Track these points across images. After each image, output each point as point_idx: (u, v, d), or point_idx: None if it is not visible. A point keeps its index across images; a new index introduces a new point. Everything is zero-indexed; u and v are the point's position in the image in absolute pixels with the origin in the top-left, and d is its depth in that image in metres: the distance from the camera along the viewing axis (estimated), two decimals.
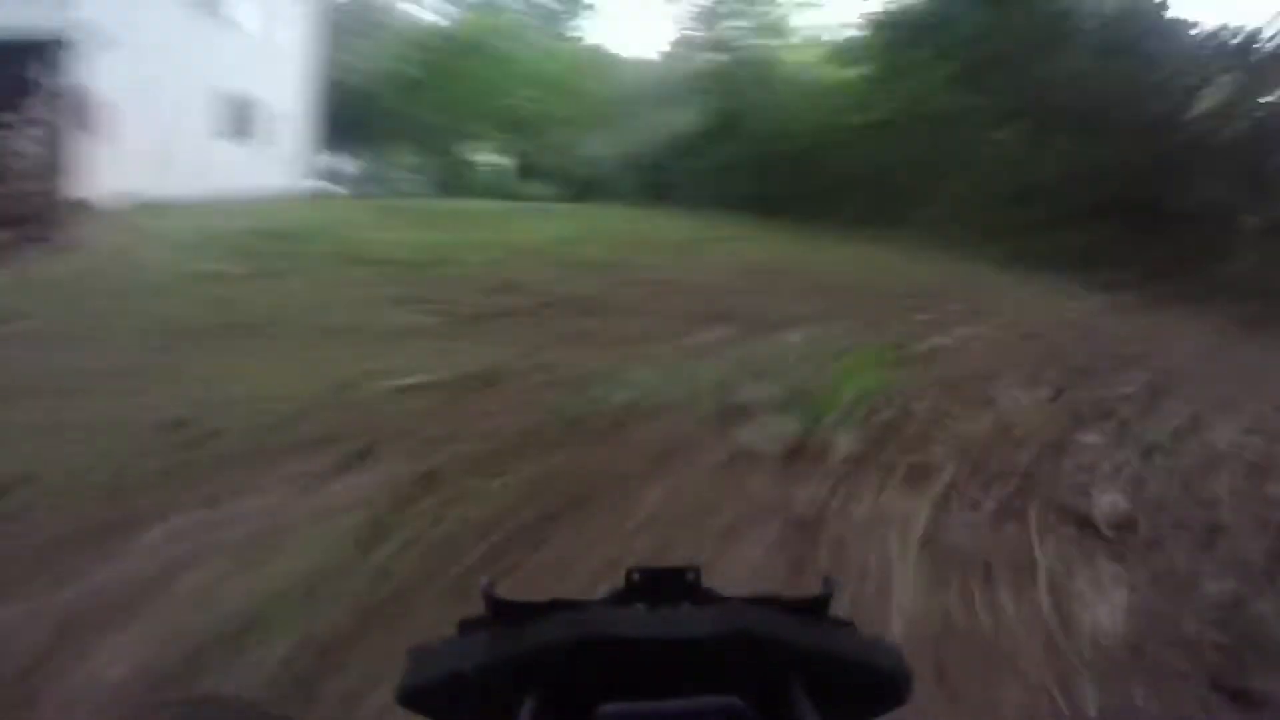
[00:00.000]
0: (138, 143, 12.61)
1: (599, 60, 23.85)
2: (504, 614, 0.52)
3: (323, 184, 17.67)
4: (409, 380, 4.17)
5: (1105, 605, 2.40)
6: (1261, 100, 12.21)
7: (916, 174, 13.41)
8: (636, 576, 0.53)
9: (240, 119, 15.57)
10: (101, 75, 11.69)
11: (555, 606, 0.51)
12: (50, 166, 9.82)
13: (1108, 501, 3.21)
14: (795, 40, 19.55)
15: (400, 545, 2.48)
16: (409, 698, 0.49)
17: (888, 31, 15.28)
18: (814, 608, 0.54)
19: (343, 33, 18.87)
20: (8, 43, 10.17)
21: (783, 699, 0.47)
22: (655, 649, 0.48)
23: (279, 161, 16.83)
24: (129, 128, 12.47)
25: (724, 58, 18.05)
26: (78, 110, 11.06)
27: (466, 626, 0.52)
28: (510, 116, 21.61)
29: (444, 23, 23.92)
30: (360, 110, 19.94)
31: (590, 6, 25.96)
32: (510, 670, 0.48)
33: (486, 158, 22.50)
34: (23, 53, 10.20)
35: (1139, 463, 3.73)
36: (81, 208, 10.00)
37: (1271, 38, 12.14)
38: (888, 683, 0.52)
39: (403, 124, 20.94)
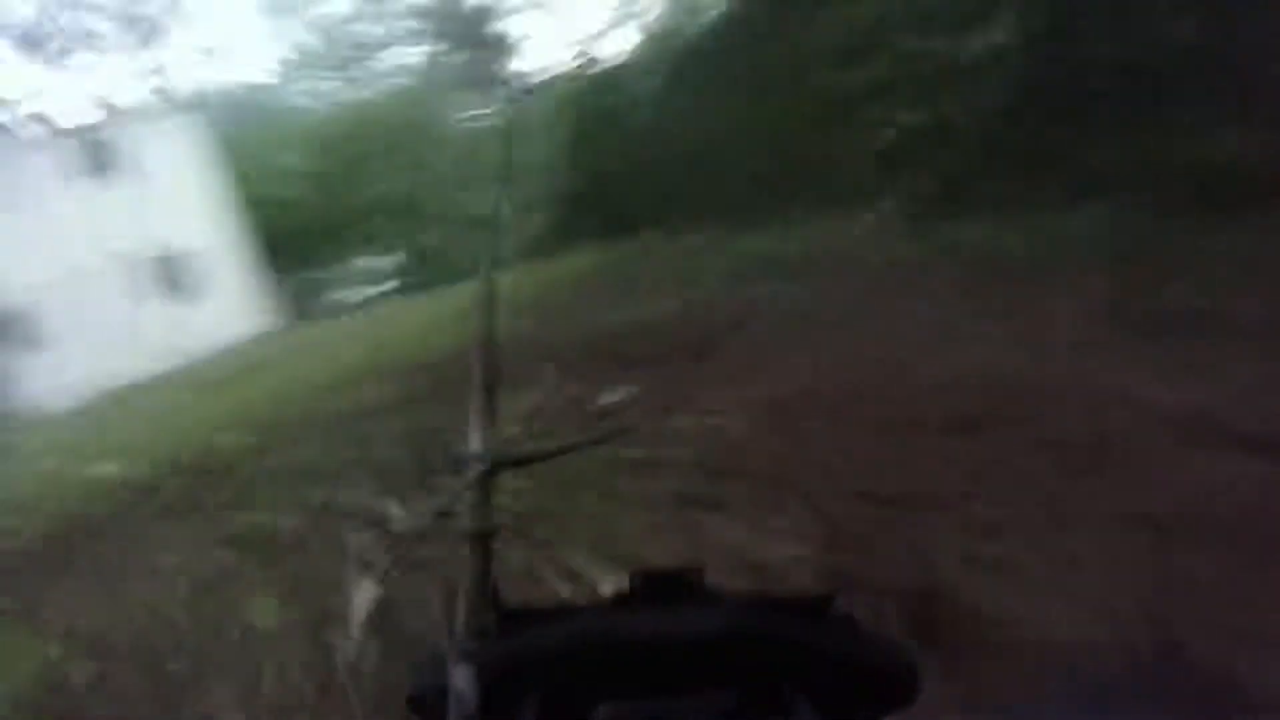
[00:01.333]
0: (61, 338, 12.35)
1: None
2: (509, 619, 0.52)
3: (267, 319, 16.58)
4: None
5: None
6: None
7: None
8: (638, 579, 0.53)
9: (168, 274, 14.67)
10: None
11: (559, 610, 0.53)
12: None
13: None
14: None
15: None
16: (418, 702, 0.51)
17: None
18: (816, 607, 0.54)
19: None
20: None
21: (782, 698, 0.47)
22: (657, 650, 0.49)
23: (226, 308, 15.37)
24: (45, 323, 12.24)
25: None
26: None
27: (473, 634, 0.53)
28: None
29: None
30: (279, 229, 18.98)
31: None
32: (514, 673, 0.49)
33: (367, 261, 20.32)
34: None
35: None
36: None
37: None
38: (893, 681, 0.52)
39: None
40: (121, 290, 13.89)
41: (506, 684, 0.48)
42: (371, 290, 18.03)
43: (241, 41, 37.40)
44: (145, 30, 18.29)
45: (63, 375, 11.84)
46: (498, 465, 0.66)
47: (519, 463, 0.85)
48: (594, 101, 14.05)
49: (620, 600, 0.53)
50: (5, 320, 12.37)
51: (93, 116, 14.43)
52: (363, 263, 19.41)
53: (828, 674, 0.50)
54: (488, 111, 20.44)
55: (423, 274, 16.99)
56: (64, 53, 16.70)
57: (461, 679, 0.48)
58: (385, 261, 19.28)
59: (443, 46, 22.17)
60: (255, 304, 16.23)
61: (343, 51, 23.27)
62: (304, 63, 23.72)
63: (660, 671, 0.48)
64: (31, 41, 16.17)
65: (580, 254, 11.31)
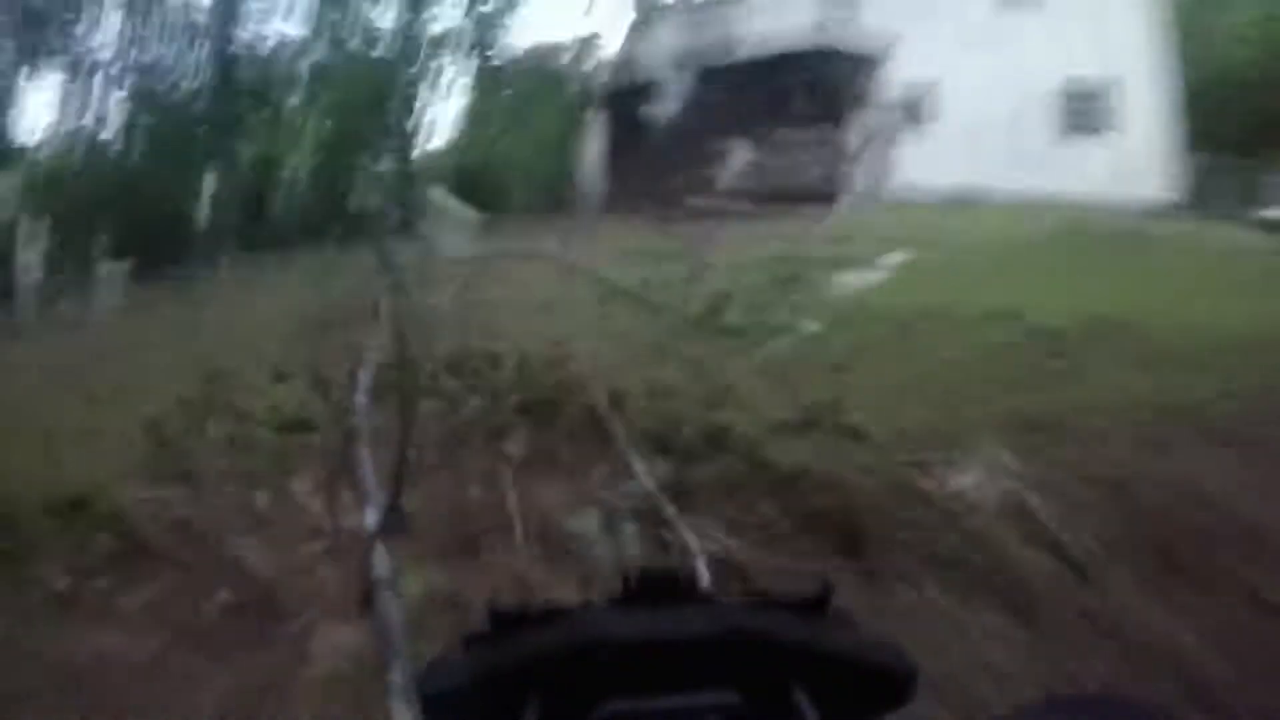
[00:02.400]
0: (945, 140, 13.24)
1: None
2: (505, 624, 0.53)
3: (1172, 195, 13.32)
4: None
5: None
6: None
7: None
8: (634, 579, 0.53)
9: (1073, 112, 14.02)
10: (902, 75, 12.77)
11: (554, 613, 0.52)
12: (848, 161, 11.73)
13: None
14: None
15: None
16: (431, 703, 0.51)
17: None
18: (812, 607, 0.53)
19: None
20: (812, 53, 12.08)
21: (782, 698, 0.47)
22: (654, 651, 0.48)
23: (1127, 164, 13.25)
24: (937, 124, 13.41)
25: None
26: (883, 114, 12.49)
27: (471, 640, 0.54)
28: None
29: None
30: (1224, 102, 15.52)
31: None
32: (512, 677, 0.49)
33: None
34: (825, 61, 11.96)
35: None
36: (865, 196, 11.60)
37: None
38: (889, 681, 0.51)
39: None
40: (1018, 111, 13.87)
41: (504, 686, 0.49)
42: None
43: None
44: None
45: (937, 173, 12.59)
46: None
47: None
48: None
49: (614, 601, 0.54)
50: (905, 105, 13.66)
51: None
52: None
53: (826, 674, 0.49)
54: None
55: None
56: None
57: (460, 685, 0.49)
58: None
59: None
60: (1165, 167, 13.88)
61: None
62: None
63: (659, 673, 0.47)
64: None
65: None
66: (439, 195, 13.95)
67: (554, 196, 16.28)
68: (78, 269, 11.08)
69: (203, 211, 14.16)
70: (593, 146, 16.43)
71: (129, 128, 14.91)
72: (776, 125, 12.73)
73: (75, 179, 14.01)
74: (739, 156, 13.13)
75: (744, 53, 13.37)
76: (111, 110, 14.81)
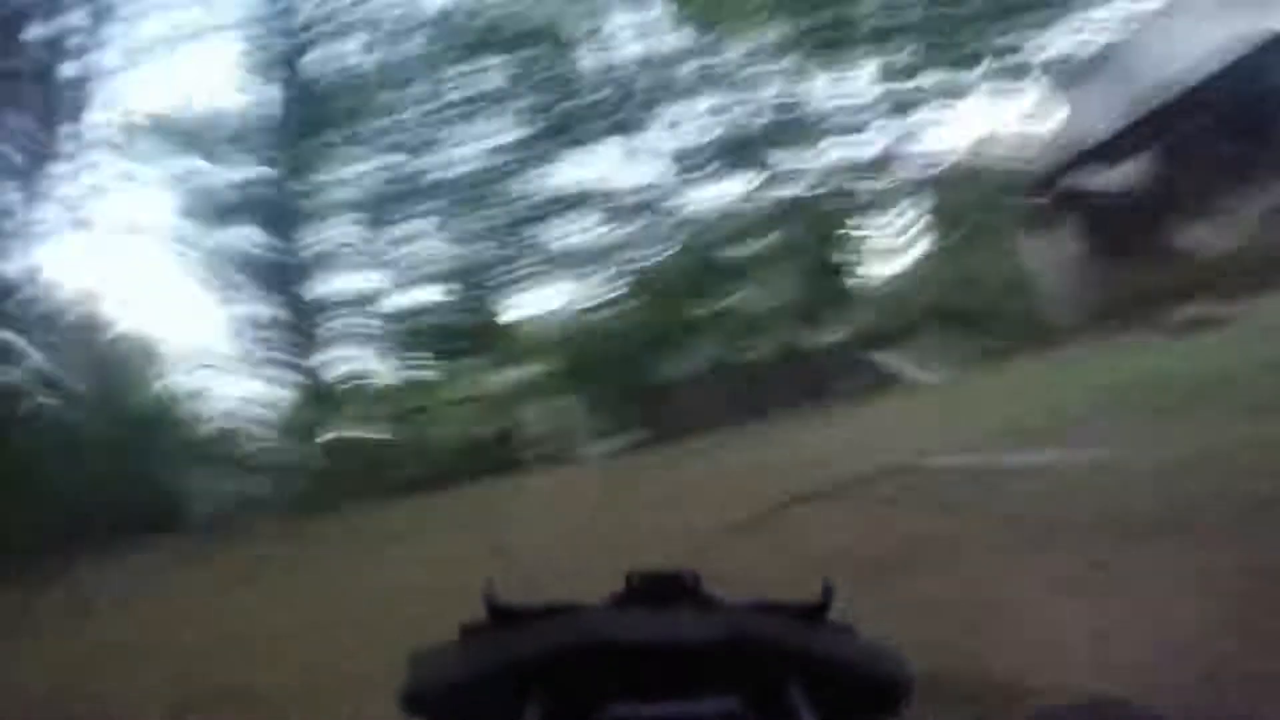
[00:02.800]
0: None
1: None
2: (505, 619, 0.52)
3: None
4: None
5: None
6: None
7: None
8: (636, 580, 0.54)
9: None
10: None
11: (555, 611, 0.52)
12: None
13: None
14: None
15: None
16: (412, 703, 0.51)
17: None
18: (813, 613, 0.54)
19: None
20: None
21: (781, 703, 0.47)
22: (655, 653, 0.48)
23: None
24: None
25: None
26: None
27: (468, 632, 0.53)
28: None
29: None
30: None
31: None
32: (512, 674, 0.49)
33: None
34: None
35: None
36: None
37: None
38: (887, 687, 0.51)
39: None
40: None
41: (502, 683, 0.48)
42: None
43: None
44: None
45: None
46: None
47: None
48: None
49: (617, 602, 0.53)
50: None
51: None
52: None
53: (825, 678, 0.49)
54: None
55: None
56: None
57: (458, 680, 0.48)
58: None
59: None
60: None
61: None
62: None
63: (660, 675, 0.47)
64: None
65: None
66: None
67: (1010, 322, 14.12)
68: None
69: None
70: (1044, 247, 13.67)
71: None
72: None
73: None
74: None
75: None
76: None
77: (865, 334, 15.48)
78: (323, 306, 16.92)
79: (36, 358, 13.65)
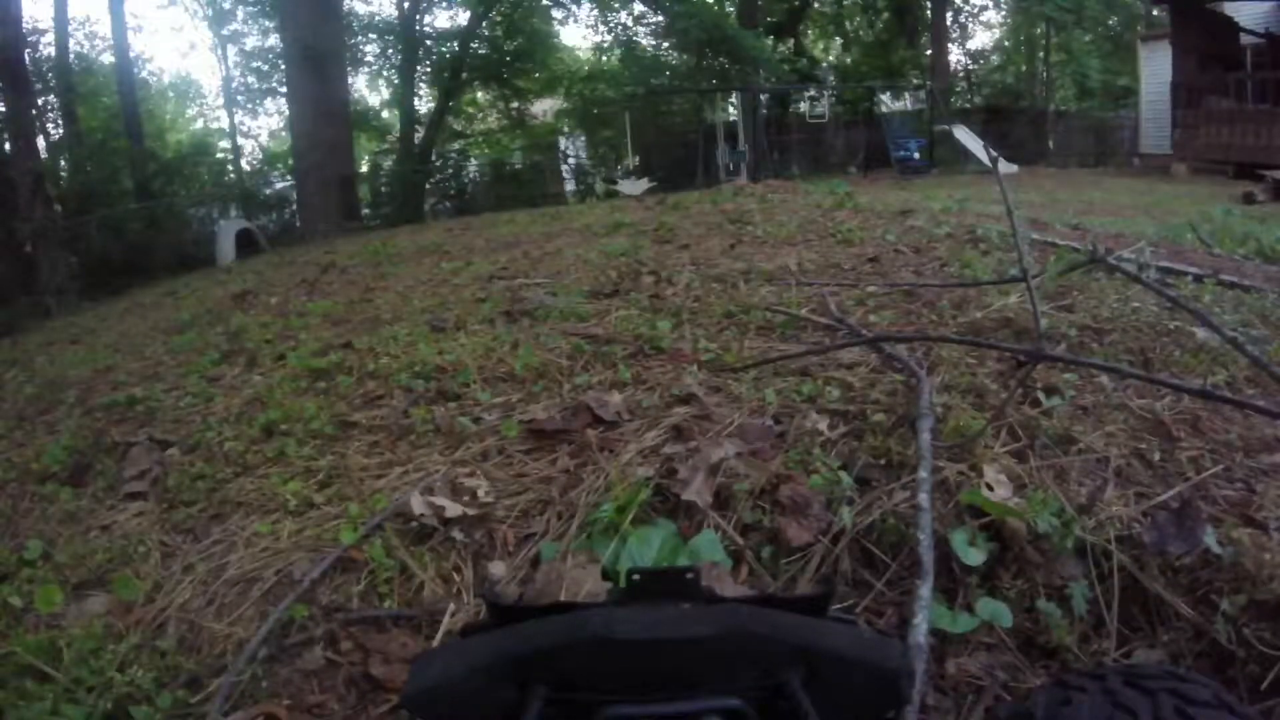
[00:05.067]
0: None
1: None
2: (505, 618, 0.52)
3: None
4: None
5: None
6: None
7: None
8: (636, 577, 0.53)
9: None
10: None
11: (556, 609, 0.52)
12: None
13: None
14: None
15: None
16: (415, 702, 0.50)
17: None
18: (813, 607, 0.54)
19: None
20: None
21: (782, 697, 0.47)
22: (656, 649, 0.48)
23: None
24: None
25: None
26: None
27: (470, 630, 0.53)
28: None
29: None
30: None
31: None
32: (513, 672, 0.49)
33: None
34: None
35: None
36: None
37: None
38: (889, 680, 0.51)
39: None
40: None
41: (503, 680, 0.49)
42: None
43: None
44: None
45: None
46: None
47: None
48: None
49: (617, 599, 0.53)
50: None
51: None
52: None
53: (825, 672, 0.50)
54: None
55: None
56: None
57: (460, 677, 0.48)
58: None
59: None
60: None
61: None
62: None
63: (661, 671, 0.48)
64: None
65: None
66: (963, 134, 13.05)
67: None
68: None
69: None
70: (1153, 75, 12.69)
71: None
72: None
73: None
74: None
75: None
76: None
77: None
78: None
79: None
